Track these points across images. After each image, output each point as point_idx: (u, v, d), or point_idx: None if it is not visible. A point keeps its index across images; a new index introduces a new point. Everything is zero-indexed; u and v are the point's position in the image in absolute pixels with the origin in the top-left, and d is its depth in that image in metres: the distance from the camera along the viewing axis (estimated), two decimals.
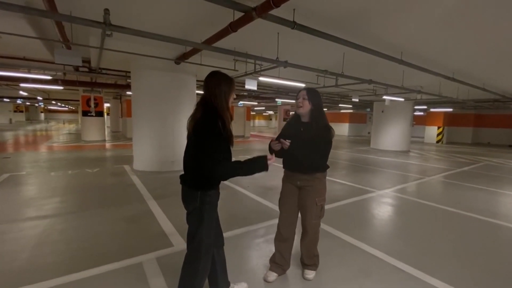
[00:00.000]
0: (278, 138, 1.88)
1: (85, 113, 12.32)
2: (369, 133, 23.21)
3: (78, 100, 15.23)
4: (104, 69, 7.43)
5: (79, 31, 4.34)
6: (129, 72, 7.62)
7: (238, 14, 3.23)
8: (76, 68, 7.01)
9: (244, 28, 3.49)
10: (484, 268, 2.42)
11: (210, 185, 1.55)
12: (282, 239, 2.15)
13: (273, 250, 2.22)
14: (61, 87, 9.12)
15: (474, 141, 18.16)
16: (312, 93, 2.04)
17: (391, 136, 12.29)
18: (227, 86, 1.58)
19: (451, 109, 15.61)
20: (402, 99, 10.19)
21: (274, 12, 3.00)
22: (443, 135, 17.21)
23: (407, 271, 2.31)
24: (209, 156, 1.45)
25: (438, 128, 17.22)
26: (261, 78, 6.13)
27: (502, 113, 16.87)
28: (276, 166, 1.74)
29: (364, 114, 24.63)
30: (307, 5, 3.42)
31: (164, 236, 2.85)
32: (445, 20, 3.91)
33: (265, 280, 2.11)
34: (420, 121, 19.06)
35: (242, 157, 1.57)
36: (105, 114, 16.85)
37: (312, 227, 2.10)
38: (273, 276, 2.12)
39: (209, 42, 3.94)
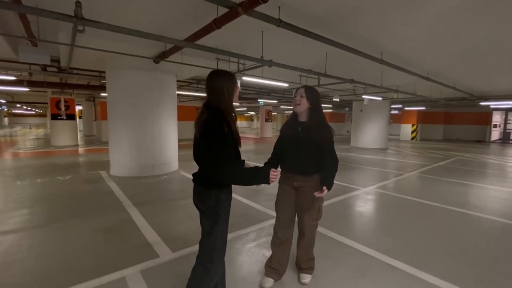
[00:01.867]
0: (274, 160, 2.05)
1: (55, 117, 11.50)
2: (348, 132, 23.91)
3: (47, 103, 14.24)
4: (75, 69, 6.94)
5: (47, 27, 3.98)
6: (104, 72, 7.20)
7: (222, 10, 3.10)
8: (44, 68, 6.50)
9: (227, 26, 3.36)
10: (471, 260, 2.48)
11: (224, 184, 1.53)
12: (280, 243, 2.05)
13: (266, 254, 2.13)
14: (27, 89, 8.44)
15: (444, 137, 19.28)
16: (310, 91, 1.97)
17: (370, 134, 12.67)
18: (229, 82, 1.54)
19: (423, 108, 16.44)
20: (380, 98, 10.54)
21: (260, 9, 2.91)
22: (417, 133, 18.09)
23: (401, 268, 2.30)
24: (214, 161, 1.42)
25: (412, 125, 18.07)
26: (244, 78, 6.01)
27: (469, 111, 18.02)
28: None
29: (343, 114, 25.32)
30: (292, 3, 3.36)
31: (148, 247, 2.65)
32: (423, 23, 4.05)
33: (262, 287, 2.00)
34: (395, 120, 19.90)
35: None
36: (77, 117, 15.88)
37: (309, 229, 2.02)
38: (269, 282, 2.01)
39: (191, 39, 3.77)
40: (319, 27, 4.05)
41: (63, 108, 11.49)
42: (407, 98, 11.42)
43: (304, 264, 2.12)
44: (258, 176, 1.47)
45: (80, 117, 20.88)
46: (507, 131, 17.42)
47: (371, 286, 2.07)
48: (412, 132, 18.09)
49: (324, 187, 1.83)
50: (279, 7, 3.29)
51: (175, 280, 2.10)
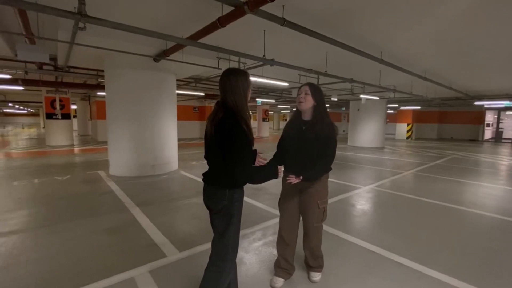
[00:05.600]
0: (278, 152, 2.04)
1: (50, 116, 11.32)
2: (344, 131, 24.07)
3: (41, 102, 14.01)
4: (72, 67, 6.84)
5: (46, 24, 3.91)
6: (101, 71, 7.12)
7: (226, 9, 3.09)
8: (40, 66, 6.38)
9: (229, 25, 3.35)
10: (471, 255, 2.52)
11: (241, 184, 1.55)
12: (285, 244, 2.05)
13: (274, 253, 2.13)
14: (21, 88, 8.28)
15: (439, 137, 19.55)
16: (315, 88, 1.94)
17: (367, 133, 12.78)
18: (245, 81, 1.55)
19: (419, 107, 16.64)
20: (377, 98, 10.63)
21: (265, 8, 2.90)
22: (412, 132, 18.31)
23: (407, 265, 2.33)
24: (235, 162, 1.44)
25: (408, 125, 18.28)
26: None
27: (462, 110, 18.31)
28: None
29: (339, 113, 25.48)
30: (296, 2, 3.36)
31: (155, 246, 2.63)
32: (423, 25, 4.09)
33: (272, 287, 2.00)
34: (391, 119, 20.12)
35: None
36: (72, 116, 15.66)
37: (314, 231, 2.00)
38: (280, 282, 2.02)
39: (195, 37, 3.75)
40: (321, 26, 4.06)
41: (58, 107, 11.32)
42: (403, 97, 11.54)
43: (313, 262, 2.12)
44: (269, 174, 1.57)
45: (74, 117, 20.62)
46: (500, 130, 17.76)
47: (379, 282, 2.10)
48: (408, 131, 18.31)
49: (301, 177, 1.77)
50: (283, 6, 3.30)
51: (184, 279, 2.09)
